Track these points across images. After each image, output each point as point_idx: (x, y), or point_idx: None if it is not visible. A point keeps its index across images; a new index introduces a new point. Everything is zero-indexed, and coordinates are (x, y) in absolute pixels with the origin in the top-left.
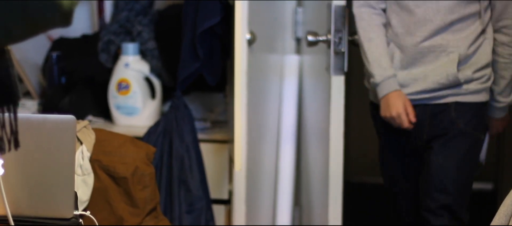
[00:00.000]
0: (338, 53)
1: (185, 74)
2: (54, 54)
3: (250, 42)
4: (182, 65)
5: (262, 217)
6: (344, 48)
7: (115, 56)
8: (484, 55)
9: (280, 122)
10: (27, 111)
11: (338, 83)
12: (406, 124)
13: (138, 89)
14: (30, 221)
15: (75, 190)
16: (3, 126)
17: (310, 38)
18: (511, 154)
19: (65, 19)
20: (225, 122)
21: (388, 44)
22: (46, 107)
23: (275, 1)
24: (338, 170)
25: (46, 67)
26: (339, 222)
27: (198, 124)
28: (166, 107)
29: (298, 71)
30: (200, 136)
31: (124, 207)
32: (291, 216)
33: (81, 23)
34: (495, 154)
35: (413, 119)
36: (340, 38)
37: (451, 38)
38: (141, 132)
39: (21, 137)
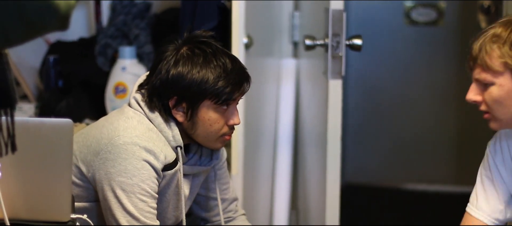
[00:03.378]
0: (335, 57)
1: None
2: (51, 58)
3: (247, 46)
4: None
5: (259, 220)
6: (341, 52)
7: (112, 60)
8: None
9: (277, 126)
10: (24, 114)
11: (335, 87)
12: None
13: None
14: (27, 224)
15: (72, 193)
16: (0, 129)
17: (307, 42)
18: None
19: (62, 23)
20: None
21: None
22: (43, 111)
23: (272, 5)
24: (336, 173)
25: (43, 71)
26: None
27: None
28: None
29: (295, 75)
30: None
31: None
32: (288, 219)
33: (78, 27)
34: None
35: None
36: (338, 42)
37: None
38: None
39: (18, 141)
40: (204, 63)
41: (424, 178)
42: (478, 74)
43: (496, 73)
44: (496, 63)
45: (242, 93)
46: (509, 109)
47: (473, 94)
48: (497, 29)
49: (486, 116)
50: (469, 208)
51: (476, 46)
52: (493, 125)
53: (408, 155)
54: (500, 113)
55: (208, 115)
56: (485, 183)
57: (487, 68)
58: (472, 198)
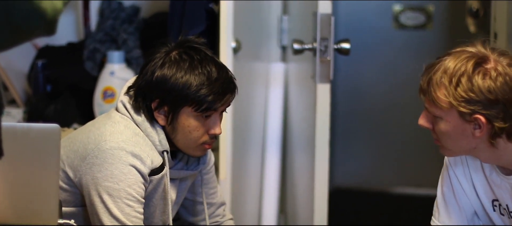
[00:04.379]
0: (323, 61)
1: None
2: (40, 62)
3: (236, 50)
4: None
5: (247, 224)
6: (330, 56)
7: (101, 64)
8: None
9: (266, 130)
10: (13, 119)
11: (323, 91)
12: None
13: None
14: None
15: (59, 198)
16: None
17: (295, 46)
18: None
19: (50, 27)
20: None
21: None
22: (31, 115)
23: (261, 9)
24: (324, 177)
25: (32, 75)
26: None
27: None
28: None
29: (283, 79)
30: None
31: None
32: (276, 223)
33: (67, 31)
34: None
35: None
36: (326, 46)
37: None
38: None
39: (5, 146)
40: (189, 69)
41: (413, 181)
42: (428, 105)
43: (443, 109)
44: (442, 101)
45: (226, 104)
46: (456, 142)
47: (424, 121)
48: (448, 63)
49: (436, 142)
50: (433, 221)
51: (425, 79)
52: (443, 152)
53: (397, 159)
54: (448, 144)
55: (188, 122)
56: (446, 196)
57: (434, 104)
58: (434, 211)
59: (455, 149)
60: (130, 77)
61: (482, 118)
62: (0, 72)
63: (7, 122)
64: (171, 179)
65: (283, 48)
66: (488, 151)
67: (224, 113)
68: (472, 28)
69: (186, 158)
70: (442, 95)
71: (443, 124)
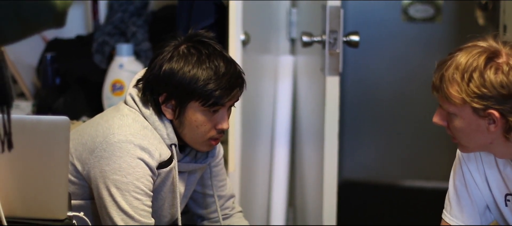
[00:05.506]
0: (332, 54)
1: None
2: (49, 55)
3: (245, 43)
4: None
5: (256, 217)
6: (339, 49)
7: (109, 57)
8: None
9: (275, 123)
10: (21, 112)
11: (332, 83)
12: None
13: None
14: (23, 222)
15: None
16: None
17: (304, 38)
18: None
19: (59, 20)
20: None
21: None
22: (40, 108)
23: (270, 1)
24: (333, 170)
25: (41, 68)
26: (334, 222)
27: None
28: None
29: (292, 71)
30: None
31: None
32: (285, 216)
33: (76, 24)
34: None
35: None
36: (335, 39)
37: None
38: None
39: (14, 138)
40: (197, 63)
41: (422, 174)
42: (442, 102)
43: (456, 105)
44: (455, 97)
45: (234, 99)
46: (472, 138)
47: (438, 119)
48: (460, 59)
49: (454, 140)
50: (444, 214)
51: (437, 76)
52: (461, 149)
53: (406, 152)
54: (464, 141)
55: (195, 117)
56: (458, 190)
57: (447, 100)
58: (446, 204)
59: (471, 145)
60: (139, 70)
61: (496, 113)
62: (9, 65)
63: (16, 115)
64: (180, 172)
65: (292, 41)
66: (504, 146)
67: (232, 107)
68: (481, 21)
69: (194, 152)
70: (454, 91)
71: (458, 120)
